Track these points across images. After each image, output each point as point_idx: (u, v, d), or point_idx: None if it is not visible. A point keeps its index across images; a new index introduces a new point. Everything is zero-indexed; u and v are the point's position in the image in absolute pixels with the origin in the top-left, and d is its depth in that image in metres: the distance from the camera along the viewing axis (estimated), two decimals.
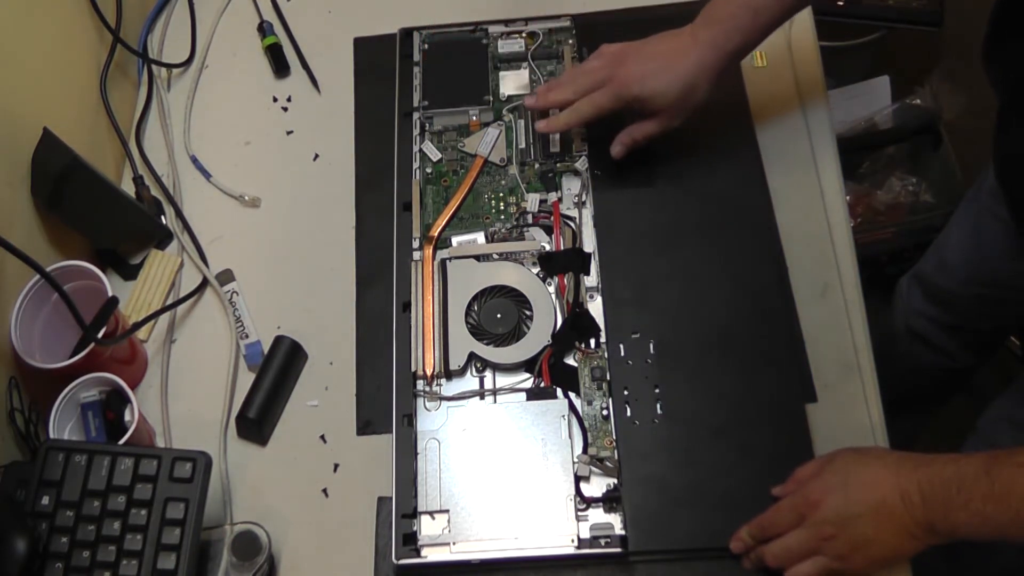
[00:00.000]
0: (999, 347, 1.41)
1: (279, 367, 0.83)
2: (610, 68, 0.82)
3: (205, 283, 0.90)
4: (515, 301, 0.82)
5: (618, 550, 0.72)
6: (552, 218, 0.86)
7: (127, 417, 0.78)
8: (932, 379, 1.32)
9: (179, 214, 0.93)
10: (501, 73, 0.94)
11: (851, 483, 0.68)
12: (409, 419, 0.78)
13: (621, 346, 0.80)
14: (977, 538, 0.64)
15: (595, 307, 0.82)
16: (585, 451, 0.75)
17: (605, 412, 0.77)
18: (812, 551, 0.69)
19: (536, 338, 0.80)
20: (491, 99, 0.93)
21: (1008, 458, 0.61)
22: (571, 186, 0.88)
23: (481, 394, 0.79)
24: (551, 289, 0.82)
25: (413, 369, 0.80)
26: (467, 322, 0.81)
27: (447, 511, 0.74)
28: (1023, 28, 0.77)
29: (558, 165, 0.89)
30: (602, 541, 0.72)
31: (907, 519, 0.65)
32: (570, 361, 0.80)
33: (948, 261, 1.14)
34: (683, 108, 0.81)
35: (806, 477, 0.70)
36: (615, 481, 0.74)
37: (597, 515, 0.74)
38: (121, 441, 0.75)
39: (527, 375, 0.80)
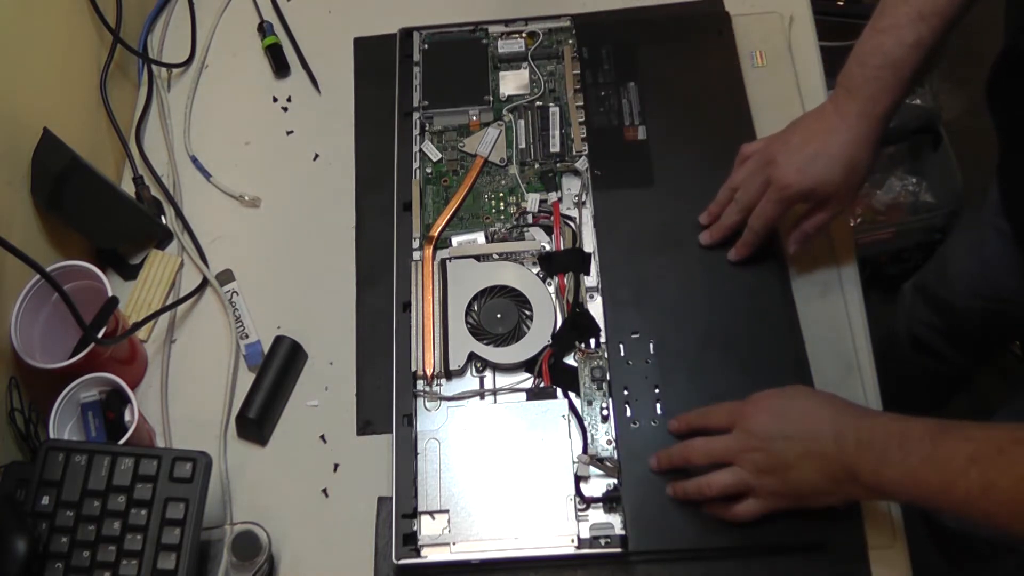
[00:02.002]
0: (999, 351, 1.41)
1: (279, 367, 0.83)
2: (762, 171, 0.78)
3: (205, 283, 0.90)
4: (515, 301, 0.82)
5: (618, 550, 0.72)
6: (552, 218, 0.86)
7: (127, 417, 0.78)
8: (934, 384, 1.32)
9: (179, 214, 0.93)
10: (501, 73, 0.94)
11: (791, 407, 0.68)
12: (409, 419, 0.78)
13: (621, 346, 0.80)
14: (897, 499, 0.63)
15: (595, 307, 0.82)
16: (585, 451, 0.75)
17: (605, 412, 0.77)
18: (731, 459, 0.69)
19: (536, 338, 0.80)
20: (491, 99, 0.93)
21: (957, 429, 0.60)
22: (571, 186, 0.88)
23: (481, 394, 0.79)
24: (551, 289, 0.82)
25: (413, 369, 0.80)
26: (467, 322, 0.81)
27: (447, 511, 0.74)
28: None
29: (558, 165, 0.89)
30: (602, 541, 0.72)
31: (834, 459, 0.64)
32: (570, 361, 0.80)
33: (951, 273, 1.13)
34: (851, 188, 0.76)
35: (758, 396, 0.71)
36: (615, 481, 0.74)
37: (597, 515, 0.74)
38: (121, 441, 0.75)
39: (527, 375, 0.80)
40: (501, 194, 0.88)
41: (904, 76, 0.73)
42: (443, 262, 0.84)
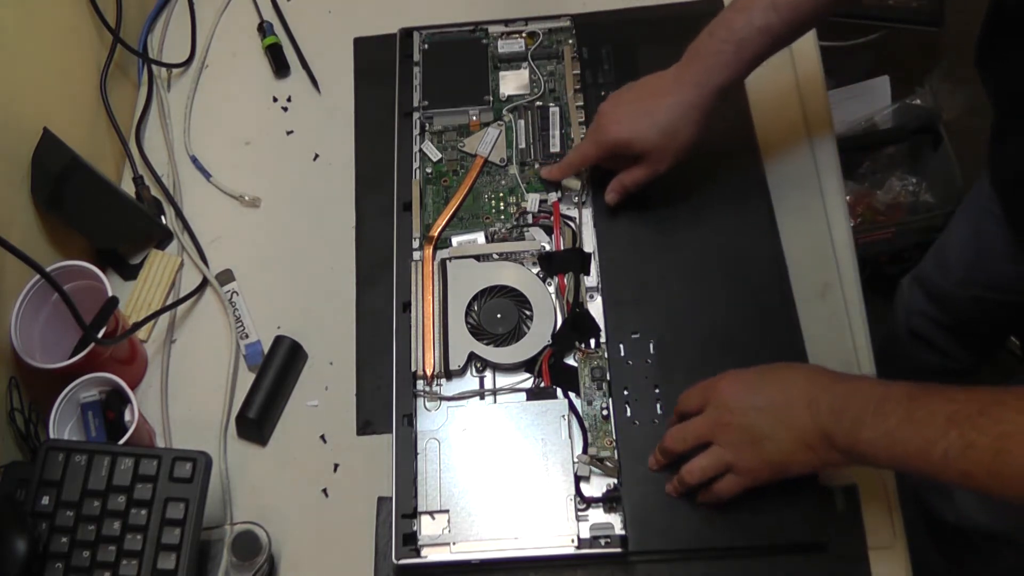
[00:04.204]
0: (1000, 348, 1.41)
1: (279, 367, 0.83)
2: (596, 120, 0.82)
3: (205, 283, 0.90)
4: (515, 301, 0.82)
5: (618, 550, 0.72)
6: (552, 218, 0.86)
7: (127, 417, 0.78)
8: (933, 380, 1.32)
9: (179, 214, 0.93)
10: (501, 73, 0.94)
11: (763, 378, 0.68)
12: (409, 419, 0.78)
13: (621, 346, 0.80)
14: (875, 462, 0.63)
15: (595, 307, 0.82)
16: (585, 451, 0.75)
17: (605, 412, 0.77)
18: (708, 438, 0.69)
19: (536, 338, 0.80)
20: (491, 99, 0.93)
21: (936, 391, 0.60)
22: (571, 186, 0.88)
23: (481, 394, 0.79)
24: (551, 289, 0.82)
25: (413, 369, 0.80)
26: (467, 322, 0.81)
27: (447, 511, 0.74)
28: (1018, 33, 0.76)
29: None
30: (602, 541, 0.72)
31: (808, 425, 0.64)
32: (570, 361, 0.80)
33: (949, 262, 1.14)
34: (667, 151, 0.78)
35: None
36: (615, 481, 0.74)
37: (597, 515, 0.74)
38: (121, 441, 0.75)
39: (527, 375, 0.80)
40: (501, 194, 0.88)
41: (745, 56, 0.75)
42: (443, 262, 0.84)
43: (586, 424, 0.77)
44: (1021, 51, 0.76)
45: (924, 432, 0.58)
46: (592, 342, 0.80)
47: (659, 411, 0.76)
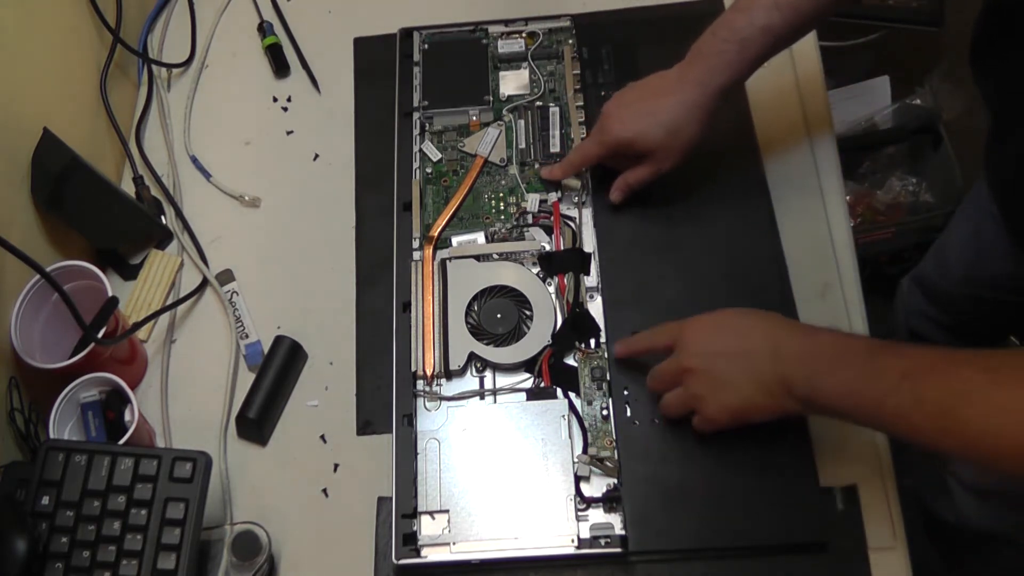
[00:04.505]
0: (999, 347, 1.41)
1: (279, 367, 0.83)
2: (599, 121, 0.82)
3: (205, 283, 0.90)
4: (515, 301, 0.82)
5: (618, 550, 0.72)
6: (552, 218, 0.86)
7: (127, 417, 0.78)
8: None
9: (179, 214, 0.93)
10: (501, 73, 0.94)
11: (728, 325, 0.70)
12: (409, 419, 0.78)
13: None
14: (831, 412, 0.64)
15: (595, 307, 0.82)
16: (585, 451, 0.75)
17: (605, 412, 0.77)
18: (677, 381, 0.71)
19: (536, 338, 0.80)
20: (491, 99, 0.93)
21: (894, 347, 0.61)
22: (571, 186, 0.88)
23: (481, 394, 0.79)
24: (551, 289, 0.82)
25: (413, 369, 0.80)
26: (467, 322, 0.81)
27: (447, 511, 0.74)
28: (1015, 33, 0.76)
29: None
30: (602, 541, 0.72)
31: (768, 371, 0.65)
32: (570, 361, 0.80)
33: (948, 262, 1.14)
34: (670, 150, 0.79)
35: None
36: (615, 481, 0.74)
37: (597, 515, 0.74)
38: (121, 441, 0.75)
39: (527, 375, 0.80)
40: (501, 194, 0.88)
41: (748, 56, 0.76)
42: (443, 262, 0.84)
43: (586, 424, 0.77)
44: (1016, 50, 0.76)
45: (878, 385, 0.59)
46: (592, 342, 0.80)
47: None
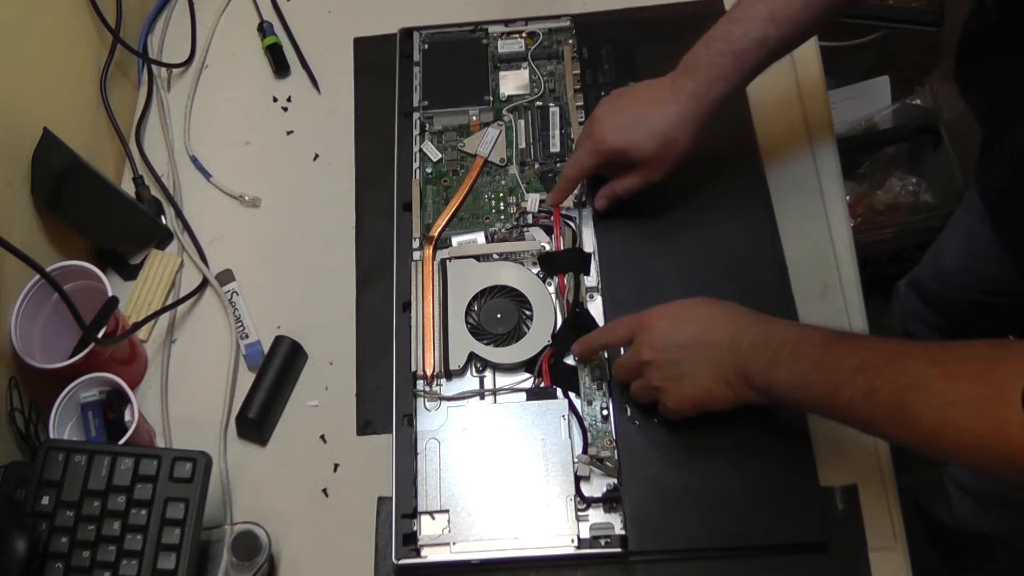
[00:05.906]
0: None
1: (279, 367, 0.83)
2: (589, 127, 0.81)
3: (205, 283, 0.90)
4: (515, 301, 0.82)
5: (618, 550, 0.72)
6: (552, 218, 0.86)
7: (127, 417, 0.78)
8: None
9: (179, 214, 0.93)
10: (501, 73, 0.94)
11: (686, 317, 0.70)
12: (409, 419, 0.78)
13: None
14: (787, 403, 0.64)
15: (595, 307, 0.82)
16: (585, 451, 0.75)
17: (605, 412, 0.77)
18: (638, 373, 0.72)
19: (536, 338, 0.80)
20: (491, 99, 0.93)
21: (851, 338, 0.61)
22: None
23: (481, 394, 0.79)
24: (551, 289, 0.82)
25: (413, 369, 0.80)
26: (467, 322, 0.81)
27: (447, 511, 0.74)
28: (998, 42, 0.76)
29: (558, 165, 0.89)
30: (602, 541, 0.72)
31: (726, 362, 0.66)
32: (570, 361, 0.80)
33: (944, 267, 1.14)
34: (663, 161, 0.78)
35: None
36: (615, 481, 0.74)
37: (597, 515, 0.74)
38: (121, 441, 0.75)
39: (527, 375, 0.80)
40: (501, 194, 0.88)
41: (743, 69, 0.75)
42: (443, 262, 0.84)
43: (586, 424, 0.77)
44: (1000, 59, 0.76)
45: (833, 377, 0.60)
46: None
47: (659, 411, 0.76)
